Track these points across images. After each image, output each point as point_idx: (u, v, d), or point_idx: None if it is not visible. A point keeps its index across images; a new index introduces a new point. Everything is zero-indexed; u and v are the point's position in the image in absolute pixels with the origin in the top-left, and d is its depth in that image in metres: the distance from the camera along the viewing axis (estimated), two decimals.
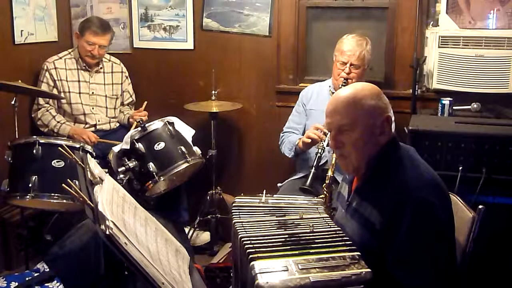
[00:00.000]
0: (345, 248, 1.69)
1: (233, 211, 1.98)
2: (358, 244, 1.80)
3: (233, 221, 1.90)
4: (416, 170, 1.82)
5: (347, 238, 1.75)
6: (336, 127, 1.88)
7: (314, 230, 1.80)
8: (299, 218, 1.88)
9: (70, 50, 3.88)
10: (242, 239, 1.74)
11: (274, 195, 2.11)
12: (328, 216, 1.96)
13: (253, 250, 1.66)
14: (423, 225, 1.70)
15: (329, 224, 1.86)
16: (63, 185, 1.71)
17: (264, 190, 2.08)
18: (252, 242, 1.71)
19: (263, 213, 1.97)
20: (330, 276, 1.55)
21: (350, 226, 1.91)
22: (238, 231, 1.81)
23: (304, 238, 1.75)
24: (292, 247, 1.70)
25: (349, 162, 1.91)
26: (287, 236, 1.77)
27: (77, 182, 1.96)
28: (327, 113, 1.92)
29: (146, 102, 3.82)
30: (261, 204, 2.00)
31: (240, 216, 1.93)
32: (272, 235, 1.77)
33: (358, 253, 1.65)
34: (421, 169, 1.84)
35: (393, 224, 1.72)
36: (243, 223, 1.85)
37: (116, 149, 3.08)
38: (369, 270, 1.58)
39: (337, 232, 1.80)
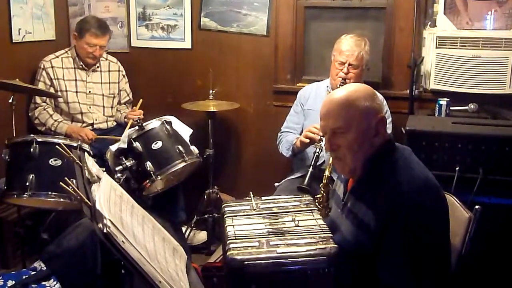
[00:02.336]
0: (321, 234, 1.74)
1: (225, 217, 1.98)
2: (352, 244, 1.81)
3: (226, 225, 1.91)
4: (410, 173, 1.81)
5: (328, 229, 1.79)
6: (331, 129, 1.88)
7: (299, 225, 1.83)
8: (292, 220, 1.89)
9: (67, 49, 3.88)
10: (228, 231, 1.78)
11: (263, 197, 2.10)
12: (320, 218, 1.96)
13: (234, 236, 1.73)
14: (414, 229, 1.70)
15: (317, 221, 1.88)
16: (60, 183, 1.71)
17: (251, 193, 2.07)
18: (236, 232, 1.77)
19: (256, 217, 1.97)
20: (296, 249, 1.64)
21: (344, 226, 1.91)
22: (227, 226, 1.85)
23: (286, 229, 1.80)
24: (270, 233, 1.76)
25: (345, 165, 1.90)
26: (270, 228, 1.81)
27: (74, 181, 1.96)
28: (321, 116, 1.92)
29: (141, 100, 3.82)
30: (253, 212, 1.99)
31: (233, 221, 1.94)
32: (256, 228, 1.82)
33: (330, 235, 1.71)
34: (416, 172, 1.83)
35: (386, 226, 1.72)
36: (234, 226, 1.88)
37: (113, 148, 3.08)
38: (335, 246, 1.64)
39: (321, 225, 1.83)
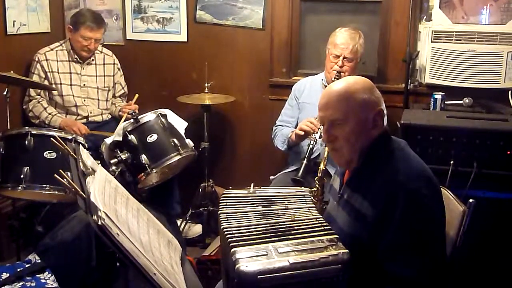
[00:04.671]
0: (324, 232, 1.72)
1: (220, 203, 1.98)
2: (349, 235, 1.81)
3: (219, 212, 1.90)
4: (407, 162, 1.83)
5: (327, 223, 1.78)
6: (329, 121, 1.89)
7: (296, 218, 1.82)
8: (285, 208, 1.89)
9: (61, 42, 3.86)
10: (224, 229, 1.76)
11: (262, 187, 2.11)
12: (313, 205, 1.96)
13: (234, 239, 1.68)
14: (414, 217, 1.71)
15: (312, 213, 1.88)
16: (55, 176, 1.70)
17: (252, 184, 2.08)
18: (234, 232, 1.73)
19: (249, 203, 1.97)
20: (308, 258, 1.59)
21: (341, 218, 1.92)
22: (222, 222, 1.82)
23: (284, 226, 1.78)
24: (272, 234, 1.72)
25: (341, 156, 1.91)
26: (268, 225, 1.79)
27: (69, 174, 1.95)
28: (319, 107, 1.93)
29: (137, 95, 3.81)
30: (249, 195, 2.00)
31: (226, 207, 1.93)
32: (254, 225, 1.79)
33: (336, 236, 1.68)
34: (413, 162, 1.84)
35: (384, 215, 1.73)
36: (228, 214, 1.87)
37: (108, 140, 3.07)
38: (346, 251, 1.61)
39: (318, 218, 1.82)
